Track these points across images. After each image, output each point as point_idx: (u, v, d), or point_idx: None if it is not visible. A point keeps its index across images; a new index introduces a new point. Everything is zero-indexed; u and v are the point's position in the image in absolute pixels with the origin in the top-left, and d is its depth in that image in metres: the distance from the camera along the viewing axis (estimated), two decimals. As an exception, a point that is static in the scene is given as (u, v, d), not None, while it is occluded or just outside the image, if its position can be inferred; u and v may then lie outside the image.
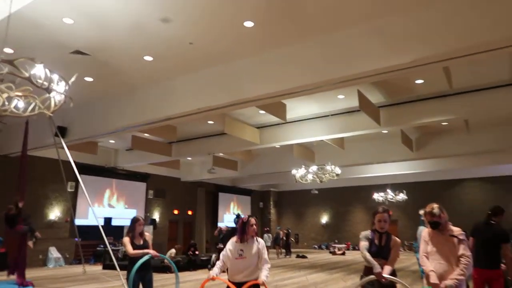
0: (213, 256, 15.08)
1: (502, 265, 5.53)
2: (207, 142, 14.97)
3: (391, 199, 21.49)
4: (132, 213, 19.25)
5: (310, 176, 14.64)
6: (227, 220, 24.32)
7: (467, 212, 20.37)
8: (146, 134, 14.17)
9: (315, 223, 28.18)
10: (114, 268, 11.35)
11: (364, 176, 20.74)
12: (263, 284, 4.01)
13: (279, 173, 19.99)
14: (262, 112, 11.38)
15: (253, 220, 4.36)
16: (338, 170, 14.18)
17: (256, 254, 4.20)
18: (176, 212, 21.99)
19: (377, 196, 21.91)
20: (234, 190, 25.90)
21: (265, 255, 4.28)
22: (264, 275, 4.10)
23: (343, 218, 27.05)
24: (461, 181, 23.92)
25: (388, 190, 21.74)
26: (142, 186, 20.06)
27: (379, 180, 22.97)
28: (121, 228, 18.45)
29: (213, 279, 4.06)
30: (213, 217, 24.13)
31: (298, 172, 14.73)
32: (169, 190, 21.57)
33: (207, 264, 14.76)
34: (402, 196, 21.36)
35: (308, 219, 28.46)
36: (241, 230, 4.30)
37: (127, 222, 19.40)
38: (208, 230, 23.24)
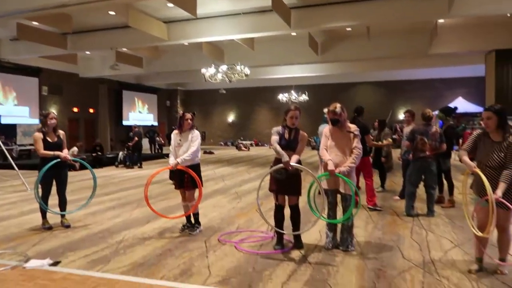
0: (120, 153, 14.98)
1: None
2: (109, 36, 13.70)
3: (294, 99, 22.80)
4: (24, 110, 17.62)
5: (219, 76, 14.63)
6: (132, 118, 23.68)
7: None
8: (34, 23, 12.38)
9: (222, 122, 29.04)
10: (10, 168, 10.74)
11: (270, 77, 21.38)
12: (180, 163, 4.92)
13: (187, 71, 19.55)
14: (170, 5, 10.60)
15: (188, 115, 5.08)
16: (247, 71, 14.36)
17: (189, 142, 5.01)
18: (75, 110, 20.68)
19: (282, 97, 23.04)
20: (139, 87, 24.86)
21: (193, 144, 5.02)
22: (182, 157, 4.93)
23: (249, 117, 28.24)
24: (356, 84, 26.10)
25: (292, 91, 22.92)
26: (33, 81, 18.12)
27: (284, 81, 23.95)
28: (12, 126, 16.96)
29: (171, 168, 4.98)
30: (117, 115, 23.26)
31: (208, 71, 14.59)
32: (66, 87, 19.90)
33: (114, 162, 14.72)
34: (304, 97, 22.74)
35: (215, 118, 29.13)
36: (179, 123, 5.09)
37: (19, 120, 17.82)
38: (112, 129, 22.56)
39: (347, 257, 4.16)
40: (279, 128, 4.43)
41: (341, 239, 4.44)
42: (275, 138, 4.36)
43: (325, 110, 4.79)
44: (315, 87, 25.22)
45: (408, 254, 4.24)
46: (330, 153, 4.38)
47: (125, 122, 23.24)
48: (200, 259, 4.19)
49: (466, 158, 3.58)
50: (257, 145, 25.92)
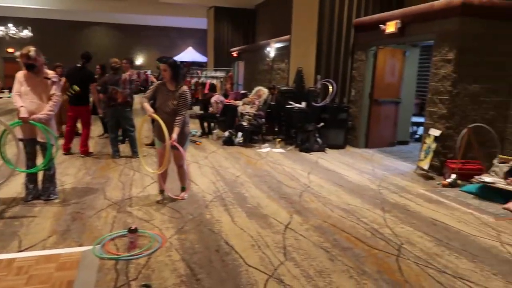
0: None
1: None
2: None
3: (14, 35, 19.35)
4: None
5: None
6: None
7: (94, 53, 21.55)
8: None
9: None
10: None
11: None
12: None
13: None
14: None
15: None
16: None
17: None
18: None
19: (-5, 30, 19.11)
20: None
21: None
22: None
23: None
24: (92, 24, 24.43)
25: (10, 25, 19.30)
26: None
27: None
28: None
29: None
30: None
31: None
32: None
33: None
34: (26, 33, 19.60)
35: None
36: None
37: None
38: None
39: (47, 206, 4.17)
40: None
41: (43, 188, 4.37)
42: None
43: (17, 53, 4.38)
44: (41, 23, 22.12)
45: (110, 194, 4.61)
46: (24, 100, 4.11)
47: None
48: None
49: (146, 105, 4.12)
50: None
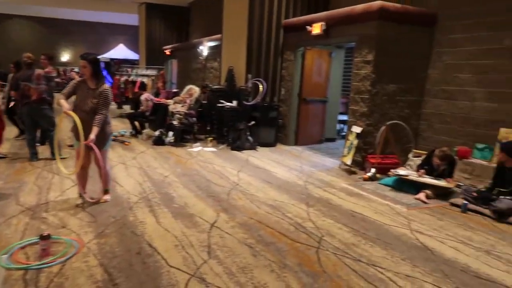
0: None
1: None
2: None
3: None
4: None
5: None
6: None
7: (14, 49, 20.00)
8: None
9: None
10: None
11: None
12: None
13: None
14: None
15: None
16: None
17: None
18: None
19: None
20: None
21: None
22: None
23: None
24: (11, 16, 22.54)
25: None
26: None
27: None
28: None
29: None
30: None
31: None
32: None
33: None
34: None
35: None
36: None
37: None
38: None
39: None
40: None
41: None
42: None
43: None
44: None
45: (24, 199, 4.28)
46: None
47: None
48: None
49: (62, 101, 3.89)
50: None
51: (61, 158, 6.05)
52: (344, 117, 9.38)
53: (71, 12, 20.65)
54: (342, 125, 9.80)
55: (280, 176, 5.81)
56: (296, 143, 8.50)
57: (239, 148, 7.53)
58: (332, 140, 9.16)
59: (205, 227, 3.74)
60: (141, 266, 2.94)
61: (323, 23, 7.14)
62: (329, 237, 3.65)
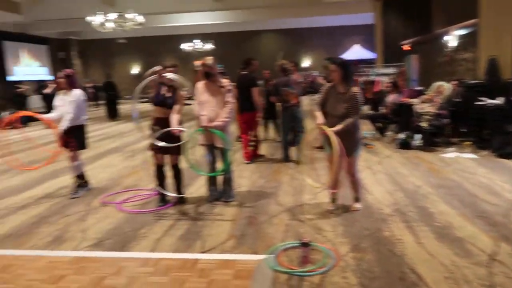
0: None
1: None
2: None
3: (199, 49, 22.20)
4: None
5: (111, 24, 13.51)
6: (20, 73, 21.12)
7: (265, 60, 23.02)
8: None
9: (126, 74, 27.34)
10: None
11: (172, 25, 20.38)
12: None
13: (78, 18, 17.75)
14: None
15: (60, 74, 5.15)
16: (140, 19, 13.44)
17: (68, 104, 4.94)
18: None
19: (185, 46, 22.24)
20: (23, 38, 21.99)
21: (70, 108, 4.88)
22: (63, 124, 4.86)
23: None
24: (260, 32, 26.10)
25: (196, 41, 22.21)
26: None
27: (187, 29, 23.00)
28: None
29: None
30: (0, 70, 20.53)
31: (95, 20, 13.33)
32: None
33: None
34: (209, 46, 22.23)
35: (118, 70, 27.26)
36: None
37: None
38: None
39: (226, 208, 4.36)
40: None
41: (222, 191, 4.62)
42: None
43: (197, 63, 4.77)
44: (219, 36, 24.70)
45: (282, 199, 4.58)
46: (206, 108, 4.40)
47: (10, 78, 20.68)
48: (77, 223, 4.08)
49: (317, 113, 3.88)
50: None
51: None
52: None
53: (308, 20, 22.18)
54: None
55: None
56: None
57: (509, 156, 6.11)
58: None
59: (481, 258, 3.01)
60: (408, 296, 2.55)
61: None
62: None
